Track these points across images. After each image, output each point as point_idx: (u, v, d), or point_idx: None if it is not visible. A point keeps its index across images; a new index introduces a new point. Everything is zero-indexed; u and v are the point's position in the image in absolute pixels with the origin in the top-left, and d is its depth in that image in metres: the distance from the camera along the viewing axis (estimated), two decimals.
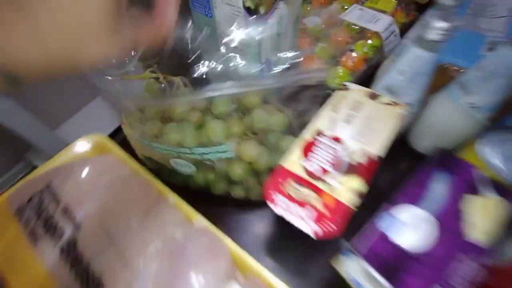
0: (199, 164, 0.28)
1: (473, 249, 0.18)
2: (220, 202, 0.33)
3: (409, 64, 0.26)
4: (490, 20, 0.39)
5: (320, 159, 0.23)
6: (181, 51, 0.27)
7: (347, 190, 0.21)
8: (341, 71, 0.42)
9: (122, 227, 0.26)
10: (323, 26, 0.49)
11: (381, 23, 0.44)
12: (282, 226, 0.32)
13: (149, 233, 0.26)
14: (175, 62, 0.28)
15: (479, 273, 0.17)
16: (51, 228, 0.27)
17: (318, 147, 0.24)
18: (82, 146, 0.35)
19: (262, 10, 0.28)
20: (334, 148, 0.23)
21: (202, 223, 0.27)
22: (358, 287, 0.22)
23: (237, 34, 0.29)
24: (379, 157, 0.23)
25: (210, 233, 0.26)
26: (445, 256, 0.18)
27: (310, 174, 0.22)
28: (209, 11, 0.31)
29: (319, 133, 0.25)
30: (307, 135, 0.25)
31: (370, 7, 0.48)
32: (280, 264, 0.29)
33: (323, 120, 0.26)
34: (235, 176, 0.28)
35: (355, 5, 0.49)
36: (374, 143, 0.24)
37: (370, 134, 0.24)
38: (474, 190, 0.21)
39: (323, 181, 0.22)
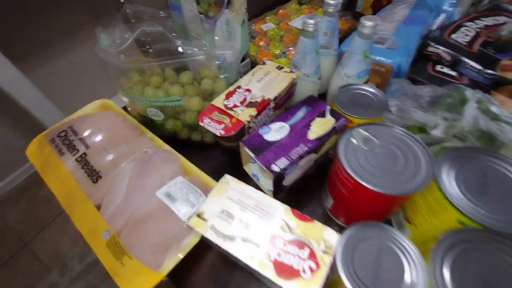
0: (165, 112, 0.43)
1: (308, 141, 0.32)
2: (185, 145, 0.47)
3: (300, 47, 0.41)
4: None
5: (234, 100, 0.37)
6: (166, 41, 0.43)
7: (245, 114, 0.35)
8: (284, 60, 0.58)
9: (115, 147, 0.41)
10: (278, 30, 0.65)
11: None
12: (225, 161, 0.46)
13: (131, 150, 0.41)
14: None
15: (306, 153, 0.31)
16: (71, 148, 0.42)
17: (236, 94, 0.38)
18: (93, 106, 0.51)
19: (210, 14, 0.43)
20: (244, 94, 0.38)
21: (166, 147, 0.42)
22: (255, 177, 0.36)
23: (197, 29, 0.45)
24: (269, 99, 0.37)
25: (170, 151, 0.41)
26: (290, 144, 0.32)
27: (226, 107, 0.37)
28: (181, 15, 0.47)
29: (239, 87, 0.39)
30: (231, 88, 0.40)
31: None
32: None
33: (244, 80, 0.40)
34: (190, 120, 0.43)
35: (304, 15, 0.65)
36: (270, 92, 0.38)
37: (269, 87, 0.39)
38: (321, 115, 0.35)
39: (233, 110, 0.36)
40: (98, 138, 0.42)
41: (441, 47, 0.52)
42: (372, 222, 0.25)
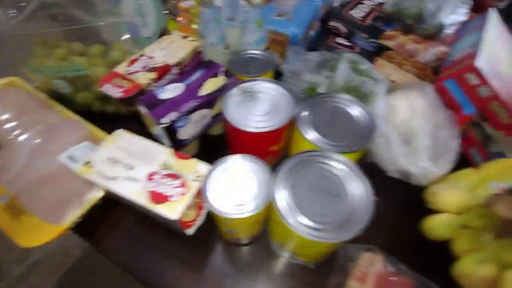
0: (74, 84, 0.44)
1: (199, 98, 0.36)
2: (100, 118, 0.48)
3: (201, 17, 0.44)
4: None
5: (136, 66, 0.40)
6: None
7: (145, 79, 0.38)
8: None
9: (19, 120, 0.41)
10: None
11: None
12: (138, 129, 0.48)
13: (36, 122, 0.41)
14: None
15: (195, 107, 0.35)
16: None
17: (138, 61, 0.40)
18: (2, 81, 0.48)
19: None
20: (147, 61, 0.40)
21: (75, 118, 0.42)
22: (159, 137, 0.39)
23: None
24: (170, 64, 0.40)
25: (78, 121, 0.42)
26: (182, 100, 0.35)
27: (128, 72, 0.39)
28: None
29: (142, 54, 0.41)
30: (135, 56, 0.41)
31: None
32: None
33: (148, 48, 0.43)
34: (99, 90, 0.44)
35: None
36: (172, 58, 0.41)
37: (172, 54, 0.42)
38: (215, 75, 0.39)
39: (134, 76, 0.38)
40: (1, 112, 0.41)
41: (339, 22, 0.60)
42: (240, 155, 0.29)
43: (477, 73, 0.38)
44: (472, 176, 0.35)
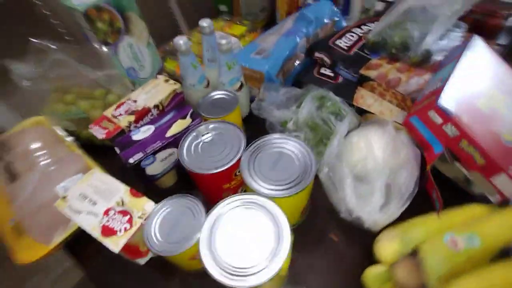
0: (79, 123, 0.53)
1: (164, 139, 0.41)
2: (102, 149, 0.56)
3: (180, 63, 0.50)
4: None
5: (121, 110, 0.47)
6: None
7: (125, 121, 0.45)
8: None
9: (35, 153, 0.50)
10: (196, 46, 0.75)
11: None
12: None
13: (49, 156, 0.50)
14: None
15: (160, 148, 0.40)
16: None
17: (124, 104, 0.48)
18: (29, 121, 0.60)
19: (110, 41, 0.53)
20: (130, 104, 0.47)
21: (77, 152, 0.51)
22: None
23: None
24: (149, 107, 0.46)
25: (78, 154, 0.50)
26: (149, 142, 0.41)
27: (113, 116, 0.46)
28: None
29: (129, 98, 0.49)
30: (123, 100, 0.49)
31: (226, 32, 0.74)
32: None
33: (135, 93, 0.50)
34: None
35: (217, 32, 0.75)
36: (152, 101, 0.47)
37: (153, 97, 0.48)
38: (184, 117, 0.44)
39: (117, 118, 0.45)
40: (26, 146, 0.51)
41: (323, 53, 0.61)
42: (181, 195, 0.33)
43: (439, 111, 0.37)
44: (428, 224, 0.33)
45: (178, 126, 0.43)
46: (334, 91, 0.56)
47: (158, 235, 0.31)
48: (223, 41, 0.46)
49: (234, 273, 0.24)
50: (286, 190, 0.31)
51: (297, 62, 0.62)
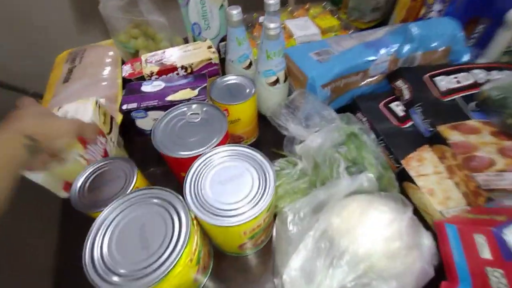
0: (127, 57, 0.57)
1: (162, 100, 0.39)
2: None
3: (227, 35, 0.46)
4: None
5: (154, 58, 0.47)
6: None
7: (149, 70, 0.45)
8: None
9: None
10: None
11: None
12: None
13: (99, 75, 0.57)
14: None
15: (154, 107, 0.39)
16: (71, 61, 0.61)
17: (158, 54, 0.48)
18: (104, 42, 0.69)
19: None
20: (163, 56, 0.47)
21: (119, 81, 0.56)
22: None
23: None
24: (176, 65, 0.45)
25: (118, 83, 0.55)
26: (150, 97, 0.40)
27: (146, 61, 0.47)
28: None
29: (165, 51, 0.49)
30: (160, 51, 0.49)
31: (314, 21, 0.64)
32: None
33: (175, 48, 0.49)
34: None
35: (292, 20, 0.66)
36: (182, 61, 0.46)
37: (186, 58, 0.46)
38: (194, 88, 0.41)
39: (146, 64, 0.46)
40: (89, 59, 0.60)
41: (407, 84, 0.46)
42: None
43: (495, 244, 0.22)
44: None
45: (182, 94, 0.40)
46: (387, 135, 0.42)
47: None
48: (271, 25, 0.39)
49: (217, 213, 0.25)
50: None
51: (365, 82, 0.49)
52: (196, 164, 0.29)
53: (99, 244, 0.24)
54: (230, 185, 0.28)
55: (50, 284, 0.35)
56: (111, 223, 0.25)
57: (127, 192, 0.29)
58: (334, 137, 0.35)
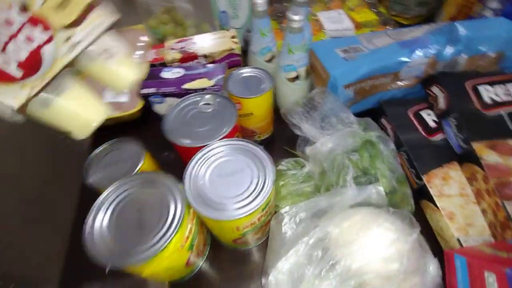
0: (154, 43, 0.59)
1: (178, 88, 0.40)
2: None
3: (251, 25, 0.45)
4: None
5: (178, 45, 0.48)
6: None
7: (171, 56, 0.46)
8: None
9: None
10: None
11: None
12: None
13: None
14: None
15: (169, 93, 0.40)
16: None
17: (185, 41, 0.48)
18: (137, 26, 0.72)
19: None
20: (188, 44, 0.48)
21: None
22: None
23: None
24: (198, 54, 0.45)
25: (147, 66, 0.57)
26: (168, 84, 0.41)
27: (170, 47, 0.48)
28: None
29: (192, 39, 0.49)
30: (187, 37, 0.50)
31: (349, 15, 0.60)
32: None
33: (200, 35, 0.49)
34: None
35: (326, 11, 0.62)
36: (205, 49, 0.46)
37: (210, 46, 0.46)
38: (211, 78, 0.41)
39: (170, 51, 0.47)
40: None
41: (445, 91, 0.41)
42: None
43: (503, 286, 0.19)
44: None
45: (198, 83, 0.40)
46: (412, 145, 0.39)
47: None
48: (295, 17, 0.37)
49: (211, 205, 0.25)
50: None
51: (395, 85, 0.45)
52: (198, 154, 0.30)
53: (100, 219, 0.26)
54: (229, 179, 0.28)
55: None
56: (113, 201, 0.27)
57: (132, 174, 0.30)
58: (348, 143, 0.33)
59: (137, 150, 0.34)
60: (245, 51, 0.50)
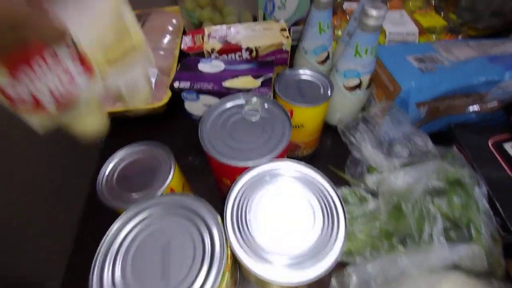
0: (189, 27, 0.52)
1: (218, 86, 0.33)
2: None
3: (308, 18, 0.38)
4: None
5: (218, 33, 0.41)
6: None
7: (210, 46, 0.39)
8: None
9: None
10: None
11: None
12: None
13: (159, 44, 0.53)
14: None
15: (208, 91, 0.33)
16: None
17: (226, 29, 0.42)
18: (170, 8, 0.65)
19: None
20: (229, 33, 0.41)
21: (176, 53, 0.51)
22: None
23: None
24: (241, 46, 0.38)
25: (175, 56, 0.50)
26: (206, 79, 0.34)
27: (209, 35, 0.41)
28: None
29: (230, 27, 0.42)
30: (226, 25, 0.43)
31: (413, 18, 0.52)
32: None
33: (241, 24, 0.42)
34: None
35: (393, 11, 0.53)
36: (249, 42, 0.39)
37: (253, 39, 0.39)
38: (257, 77, 0.34)
39: (209, 39, 0.40)
40: (151, 23, 0.56)
41: None
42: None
43: None
44: None
45: (242, 82, 0.33)
46: (495, 186, 0.31)
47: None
48: (374, 12, 0.29)
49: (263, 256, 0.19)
50: None
51: (475, 108, 0.37)
52: (244, 178, 0.23)
53: (111, 268, 0.19)
54: (285, 219, 0.21)
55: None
56: (127, 234, 0.20)
57: (157, 195, 0.24)
58: (432, 182, 0.25)
59: (164, 159, 0.27)
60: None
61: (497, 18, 0.56)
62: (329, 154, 0.41)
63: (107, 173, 0.27)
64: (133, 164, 0.27)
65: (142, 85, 0.26)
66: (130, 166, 0.27)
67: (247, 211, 0.21)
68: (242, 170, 0.24)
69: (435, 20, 0.51)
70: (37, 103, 0.19)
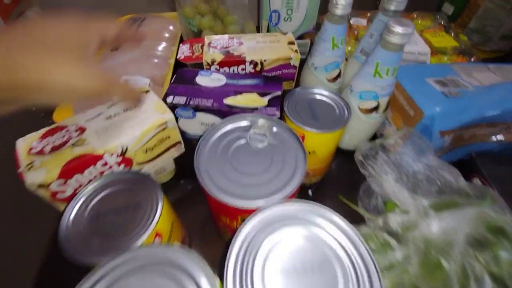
0: (187, 35, 0.48)
1: (218, 103, 0.29)
2: None
3: (320, 31, 0.34)
4: None
5: (219, 43, 0.37)
6: None
7: (210, 56, 0.35)
8: None
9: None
10: None
11: None
12: None
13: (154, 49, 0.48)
14: None
15: (206, 108, 0.28)
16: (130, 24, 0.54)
17: (228, 40, 0.38)
18: (167, 14, 0.61)
19: None
20: (232, 44, 0.37)
21: (172, 61, 0.47)
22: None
23: None
24: (245, 59, 0.34)
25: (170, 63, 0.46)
26: (204, 94, 0.29)
27: (209, 44, 0.37)
28: None
29: (237, 38, 0.38)
30: (232, 35, 0.39)
31: (424, 37, 0.49)
32: None
33: (247, 35, 0.38)
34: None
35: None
36: (253, 55, 0.35)
37: (258, 52, 0.36)
38: (263, 95, 0.30)
39: (209, 49, 0.36)
40: (146, 28, 0.52)
41: None
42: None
43: None
44: None
45: (246, 100, 0.29)
46: None
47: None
48: (399, 29, 0.26)
49: None
50: None
51: (499, 137, 0.34)
52: (248, 226, 0.18)
53: None
54: (304, 278, 0.16)
55: None
56: None
57: (136, 246, 0.19)
58: (467, 227, 0.21)
59: (149, 193, 0.22)
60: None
61: (507, 41, 0.54)
62: (338, 181, 0.37)
63: (74, 211, 0.21)
64: (110, 199, 0.22)
65: (170, 167, 0.32)
66: (105, 200, 0.22)
67: (253, 272, 0.16)
68: (246, 213, 0.19)
69: (446, 40, 0.49)
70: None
